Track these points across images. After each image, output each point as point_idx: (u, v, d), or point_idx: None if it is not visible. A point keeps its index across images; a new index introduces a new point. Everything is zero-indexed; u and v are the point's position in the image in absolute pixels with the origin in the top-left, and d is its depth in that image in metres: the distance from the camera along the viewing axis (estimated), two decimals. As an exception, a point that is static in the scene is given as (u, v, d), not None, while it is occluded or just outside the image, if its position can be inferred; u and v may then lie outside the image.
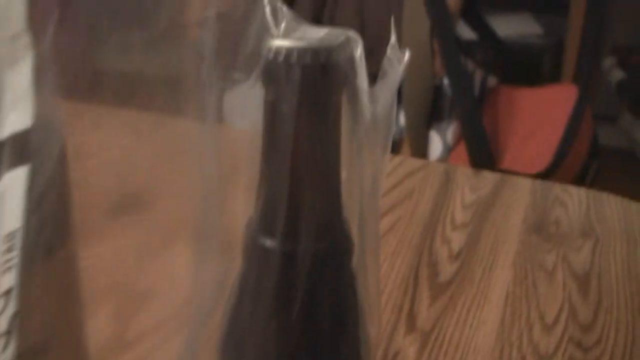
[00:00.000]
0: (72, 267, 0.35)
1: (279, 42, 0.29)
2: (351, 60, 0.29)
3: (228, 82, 0.30)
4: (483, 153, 1.44)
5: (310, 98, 0.29)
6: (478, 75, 1.54)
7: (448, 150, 1.52)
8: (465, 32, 1.64)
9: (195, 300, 0.35)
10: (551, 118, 1.48)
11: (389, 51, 0.30)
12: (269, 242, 0.31)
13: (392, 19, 0.33)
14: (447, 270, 0.68)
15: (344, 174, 0.31)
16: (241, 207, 0.32)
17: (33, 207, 0.26)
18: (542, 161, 1.42)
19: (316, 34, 0.29)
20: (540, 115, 1.51)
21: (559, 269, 0.68)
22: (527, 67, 1.78)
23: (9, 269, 0.26)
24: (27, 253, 0.27)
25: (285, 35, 0.29)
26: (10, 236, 0.25)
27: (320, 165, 0.30)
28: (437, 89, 1.52)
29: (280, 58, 0.29)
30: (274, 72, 0.29)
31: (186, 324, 0.36)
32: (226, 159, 0.32)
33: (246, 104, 0.30)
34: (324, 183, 0.30)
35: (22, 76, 0.25)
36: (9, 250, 0.25)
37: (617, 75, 2.45)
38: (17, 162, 0.25)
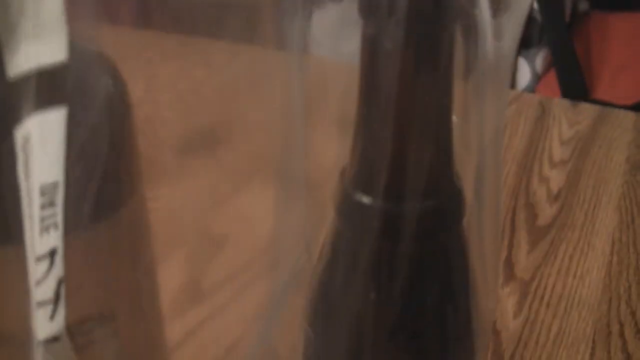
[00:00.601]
0: (138, 224, 0.31)
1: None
2: (469, -15, 0.24)
3: (316, 4, 0.25)
4: (575, 82, 1.36)
5: (417, 32, 0.24)
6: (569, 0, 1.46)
7: (537, 79, 1.44)
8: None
9: (276, 247, 0.31)
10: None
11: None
12: (367, 199, 0.27)
13: None
14: (546, 212, 0.63)
15: (456, 122, 0.26)
16: (328, 148, 0.28)
17: (75, 158, 0.22)
18: (638, 92, 1.33)
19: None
20: (635, 42, 1.42)
21: (670, 213, 0.63)
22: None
23: (49, 227, 0.22)
24: (75, 213, 0.23)
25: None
26: (46, 189, 0.21)
27: (428, 111, 0.25)
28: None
29: (382, -16, 0.24)
30: (374, 1, 0.24)
31: (266, 272, 0.32)
32: (312, 93, 0.27)
33: (337, 31, 0.26)
34: (433, 132, 0.26)
35: None
36: (46, 205, 0.21)
37: None
38: (47, 103, 0.20)
